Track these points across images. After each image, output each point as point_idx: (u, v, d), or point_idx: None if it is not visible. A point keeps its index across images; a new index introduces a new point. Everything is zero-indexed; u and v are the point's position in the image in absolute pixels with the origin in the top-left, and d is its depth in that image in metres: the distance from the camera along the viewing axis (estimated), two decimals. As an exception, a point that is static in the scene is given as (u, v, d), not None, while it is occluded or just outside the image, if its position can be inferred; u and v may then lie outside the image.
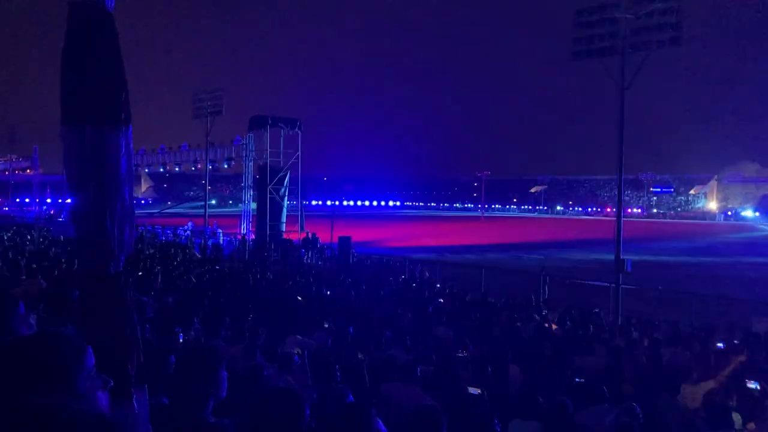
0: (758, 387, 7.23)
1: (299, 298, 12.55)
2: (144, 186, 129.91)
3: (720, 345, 10.53)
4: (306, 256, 28.93)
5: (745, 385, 7.40)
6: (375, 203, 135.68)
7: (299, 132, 31.71)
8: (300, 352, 6.40)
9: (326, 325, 9.43)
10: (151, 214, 50.16)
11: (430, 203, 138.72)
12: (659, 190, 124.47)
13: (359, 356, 7.23)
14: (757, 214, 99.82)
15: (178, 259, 21.11)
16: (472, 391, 5.96)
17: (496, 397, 6.28)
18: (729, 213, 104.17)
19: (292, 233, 30.79)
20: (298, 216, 31.94)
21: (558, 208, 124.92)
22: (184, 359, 3.15)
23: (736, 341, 11.20)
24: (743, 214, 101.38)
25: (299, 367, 6.11)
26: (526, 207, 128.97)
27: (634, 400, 6.08)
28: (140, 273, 13.06)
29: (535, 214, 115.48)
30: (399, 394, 5.77)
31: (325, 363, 5.95)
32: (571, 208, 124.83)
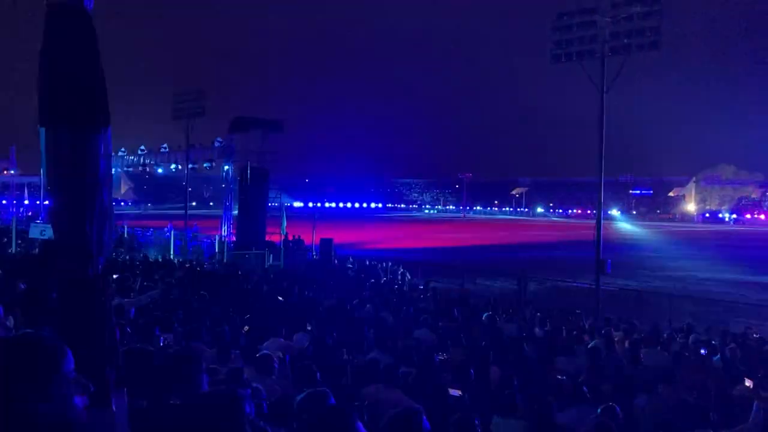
0: (752, 385, 7.32)
1: (280, 299, 12.50)
2: (123, 188, 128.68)
3: (698, 345, 10.66)
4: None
5: (725, 386, 7.50)
6: (357, 205, 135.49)
7: (281, 133, 31.60)
8: (282, 355, 6.37)
9: (308, 328, 9.40)
10: (130, 216, 49.68)
11: (412, 205, 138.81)
12: (638, 192, 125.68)
13: (341, 358, 7.21)
14: (735, 216, 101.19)
15: (159, 261, 20.95)
16: (452, 393, 5.97)
17: (477, 398, 6.30)
18: (707, 215, 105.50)
19: (274, 235, 30.66)
20: (279, 218, 31.82)
21: (539, 210, 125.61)
22: (165, 363, 3.12)
23: (714, 341, 11.34)
24: (720, 216, 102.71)
25: (281, 369, 6.08)
26: (507, 209, 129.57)
27: (612, 401, 6.13)
28: (118, 276, 12.93)
29: (511, 216, 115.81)
30: (380, 396, 5.76)
31: (306, 365, 5.93)
32: (552, 210, 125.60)
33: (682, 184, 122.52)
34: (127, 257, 22.39)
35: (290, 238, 30.53)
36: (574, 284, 20.38)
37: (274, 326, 8.26)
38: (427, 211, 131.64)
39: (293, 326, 9.11)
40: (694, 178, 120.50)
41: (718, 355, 9.79)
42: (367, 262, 25.87)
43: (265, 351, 6.29)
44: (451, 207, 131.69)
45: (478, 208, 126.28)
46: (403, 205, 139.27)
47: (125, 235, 31.29)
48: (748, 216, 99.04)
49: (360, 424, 2.58)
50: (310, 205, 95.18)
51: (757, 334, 12.68)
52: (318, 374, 5.79)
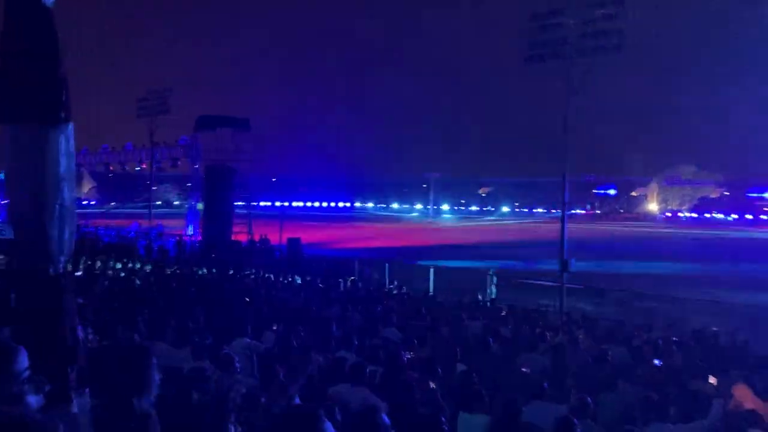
0: (715, 382, 7.49)
1: (247, 300, 12.43)
2: (86, 186, 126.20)
3: (658, 341, 10.87)
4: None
5: (684, 382, 7.68)
6: (325, 204, 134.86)
7: (247, 132, 31.40)
8: (249, 354, 6.34)
9: (275, 327, 9.36)
10: (94, 215, 48.79)
11: (380, 204, 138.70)
12: (602, 191, 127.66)
13: (309, 358, 7.21)
14: (695, 215, 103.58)
15: (123, 261, 20.64)
16: (432, 386, 6.01)
17: (444, 394, 6.35)
18: (668, 214, 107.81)
19: (241, 235, 30.44)
20: (246, 218, 31.64)
21: (504, 209, 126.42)
22: (113, 359, 3.07)
23: (675, 338, 11.58)
24: (681, 215, 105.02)
25: (247, 369, 6.05)
26: (474, 208, 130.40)
27: (576, 397, 6.24)
28: (81, 275, 12.72)
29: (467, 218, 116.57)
30: (347, 395, 5.77)
31: (273, 365, 5.92)
32: (517, 209, 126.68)
33: (645, 184, 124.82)
34: (90, 257, 21.98)
35: (257, 237, 30.35)
36: (539, 282, 20.62)
37: (241, 326, 8.22)
38: (395, 208, 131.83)
39: (261, 326, 9.08)
40: (655, 178, 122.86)
41: (678, 352, 10.02)
42: (335, 262, 25.85)
43: (226, 350, 6.26)
44: (418, 206, 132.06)
45: (446, 207, 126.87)
46: (371, 204, 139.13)
47: (88, 235, 30.71)
48: (707, 215, 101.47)
49: (329, 424, 2.59)
50: (278, 204, 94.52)
51: (715, 328, 12.92)
52: (282, 374, 5.78)
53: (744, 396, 6.29)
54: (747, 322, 14.12)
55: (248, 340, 7.68)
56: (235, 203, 32.17)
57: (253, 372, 6.20)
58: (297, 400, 3.88)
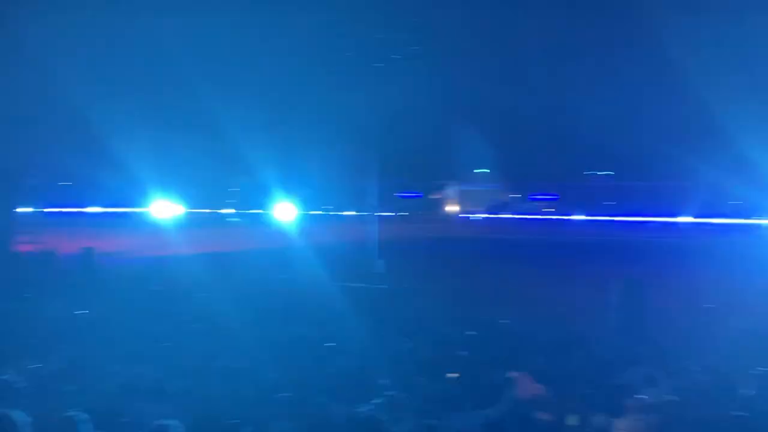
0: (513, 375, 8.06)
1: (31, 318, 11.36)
2: None
3: (457, 334, 11.47)
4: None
5: (479, 372, 8.24)
6: (132, 209, 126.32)
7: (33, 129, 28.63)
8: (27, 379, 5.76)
9: (64, 347, 8.61)
10: None
11: (203, 209, 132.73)
12: (408, 195, 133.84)
13: (105, 377, 6.79)
14: (486, 215, 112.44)
15: None
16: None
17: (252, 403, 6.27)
18: (469, 216, 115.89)
19: (23, 245, 27.56)
20: (30, 226, 28.88)
21: (319, 212, 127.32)
22: None
23: (469, 331, 12.26)
24: (474, 216, 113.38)
25: (28, 393, 5.50)
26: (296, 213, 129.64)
27: (384, 393, 6.50)
28: None
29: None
30: (148, 413, 5.48)
31: (60, 388, 5.47)
32: (330, 212, 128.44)
33: (446, 188, 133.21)
34: None
35: (44, 247, 27.69)
36: (347, 284, 20.82)
37: (22, 347, 7.47)
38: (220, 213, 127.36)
39: (45, 346, 8.32)
40: (455, 183, 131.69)
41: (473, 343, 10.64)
42: (134, 270, 24.38)
43: (5, 376, 5.66)
44: (230, 210, 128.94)
45: (261, 211, 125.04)
46: (186, 209, 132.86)
47: None
48: (500, 216, 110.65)
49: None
50: (69, 210, 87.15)
51: (505, 320, 13.65)
52: (77, 396, 5.37)
53: (527, 384, 6.94)
54: (539, 312, 15.20)
55: (29, 363, 7.00)
56: (19, 209, 29.07)
57: (34, 396, 5.63)
58: (84, 426, 3.58)
